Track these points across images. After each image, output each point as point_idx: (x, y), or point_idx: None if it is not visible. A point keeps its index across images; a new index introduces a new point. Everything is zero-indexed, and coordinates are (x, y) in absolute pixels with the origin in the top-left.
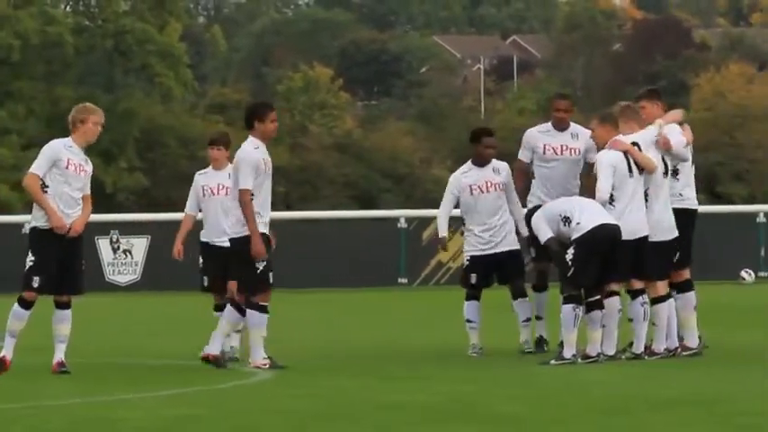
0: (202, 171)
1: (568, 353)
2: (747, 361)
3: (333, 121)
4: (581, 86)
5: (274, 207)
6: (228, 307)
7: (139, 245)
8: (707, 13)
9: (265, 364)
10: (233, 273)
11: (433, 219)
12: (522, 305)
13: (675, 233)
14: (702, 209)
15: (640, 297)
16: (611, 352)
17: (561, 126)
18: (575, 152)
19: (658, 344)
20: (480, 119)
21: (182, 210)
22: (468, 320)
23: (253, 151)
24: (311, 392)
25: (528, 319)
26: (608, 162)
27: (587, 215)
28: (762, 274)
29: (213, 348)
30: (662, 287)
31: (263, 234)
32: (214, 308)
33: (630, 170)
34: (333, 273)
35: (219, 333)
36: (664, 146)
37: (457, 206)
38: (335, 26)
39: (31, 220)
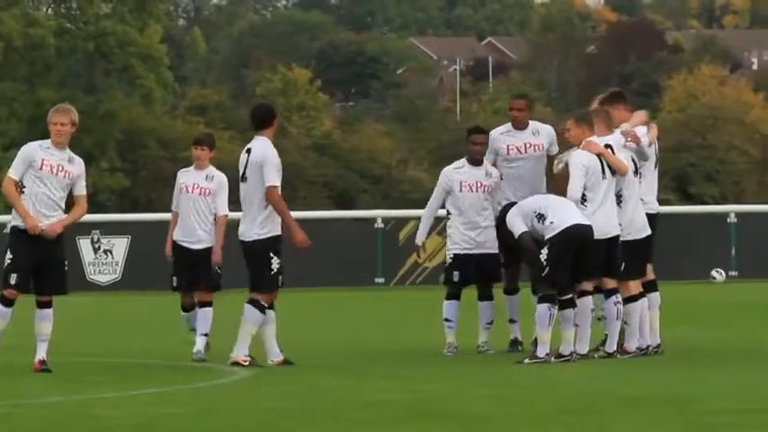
0: (185, 169)
1: (542, 352)
2: (717, 360)
3: (311, 123)
4: (556, 87)
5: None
6: (248, 306)
7: (120, 245)
8: (680, 15)
9: (246, 362)
10: (249, 271)
11: (409, 219)
12: (487, 308)
13: (648, 231)
14: (674, 209)
15: (613, 296)
16: (585, 351)
17: (519, 125)
18: (538, 148)
19: (631, 343)
20: (456, 120)
21: (162, 210)
22: (447, 319)
23: (275, 150)
24: (289, 391)
25: (490, 323)
26: (581, 162)
27: (561, 214)
28: (732, 273)
29: (241, 353)
30: (634, 286)
31: (280, 236)
32: (182, 308)
33: (603, 172)
34: (310, 272)
35: (246, 335)
36: (633, 139)
37: (442, 205)
38: (313, 28)
39: (11, 219)
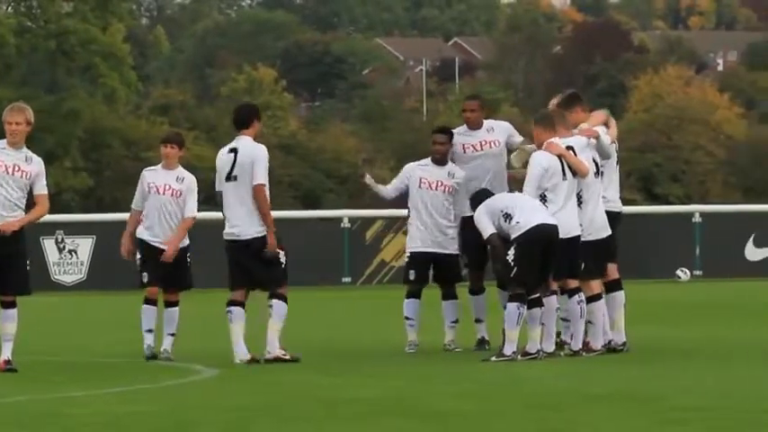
0: (152, 168)
1: (509, 350)
2: (682, 358)
3: (277, 123)
4: (522, 88)
5: (217, 207)
6: (277, 302)
7: (85, 245)
8: (645, 15)
9: (285, 355)
10: (257, 270)
11: (375, 219)
12: (451, 307)
13: (609, 231)
14: (640, 209)
15: (576, 296)
16: (551, 349)
17: (473, 126)
18: (494, 144)
19: (596, 341)
20: (422, 120)
21: (127, 210)
22: (407, 318)
23: (265, 149)
24: (255, 389)
25: (455, 321)
26: (540, 164)
27: (527, 214)
28: (697, 272)
29: (274, 348)
30: (596, 285)
31: (276, 231)
32: (147, 301)
33: (564, 173)
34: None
35: (275, 331)
36: (589, 133)
37: (405, 205)
38: (278, 28)
39: None
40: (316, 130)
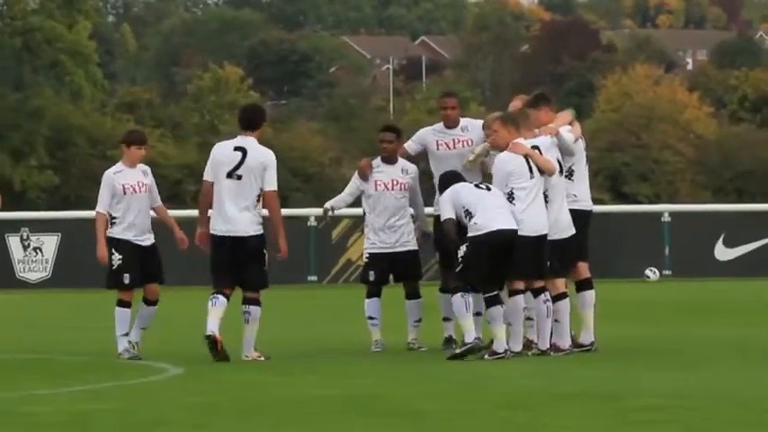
0: (117, 169)
1: (470, 337)
2: (651, 357)
3: None
4: (489, 86)
5: (184, 206)
6: (254, 307)
7: (50, 242)
8: (614, 14)
9: (261, 357)
10: (246, 269)
11: (342, 218)
12: (415, 306)
13: (573, 231)
14: (608, 208)
15: (542, 295)
16: (518, 348)
17: (451, 123)
18: (467, 143)
19: (563, 340)
20: (389, 119)
21: (93, 207)
22: (370, 317)
23: (273, 154)
24: (218, 388)
25: (418, 321)
26: (503, 170)
27: (487, 217)
28: (666, 272)
29: (251, 351)
30: (562, 284)
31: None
32: (123, 303)
33: (531, 172)
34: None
35: (252, 335)
36: (547, 132)
37: (359, 203)
38: (245, 26)
39: None
40: (282, 129)
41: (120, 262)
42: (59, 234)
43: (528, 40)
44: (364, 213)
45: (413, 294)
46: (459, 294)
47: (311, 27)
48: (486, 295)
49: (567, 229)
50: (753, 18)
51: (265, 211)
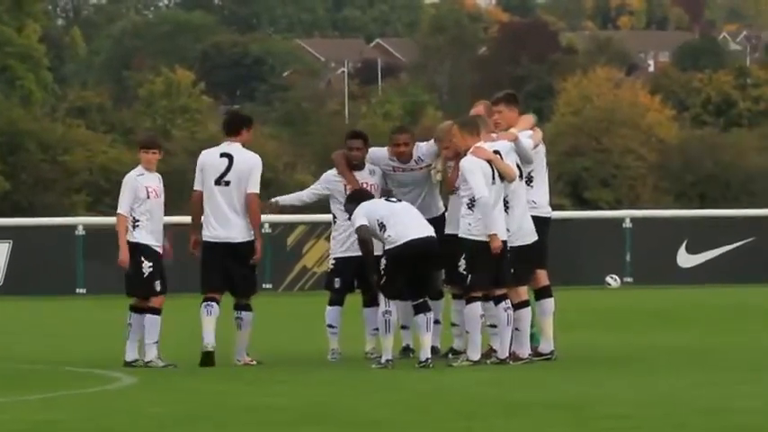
0: (139, 173)
1: (384, 357)
2: (612, 365)
3: (195, 126)
4: (447, 90)
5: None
6: (246, 313)
7: (1, 249)
8: (574, 15)
9: (252, 361)
10: (237, 274)
11: (297, 224)
12: (373, 315)
13: (535, 237)
14: (569, 214)
15: (503, 302)
16: (476, 357)
17: (405, 159)
18: (424, 167)
19: (522, 349)
20: (345, 123)
21: (45, 214)
22: (330, 325)
23: (259, 158)
24: (176, 397)
25: (377, 329)
26: (477, 166)
27: (400, 228)
28: (627, 279)
29: (243, 356)
30: (523, 292)
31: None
32: (155, 311)
33: (493, 178)
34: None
35: (244, 340)
36: (507, 137)
37: (327, 210)
38: (197, 29)
39: None
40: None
41: (151, 269)
42: (10, 241)
43: (486, 42)
44: (334, 219)
45: (371, 302)
46: (380, 312)
47: (264, 30)
48: (414, 303)
49: (530, 235)
50: (716, 18)
51: None
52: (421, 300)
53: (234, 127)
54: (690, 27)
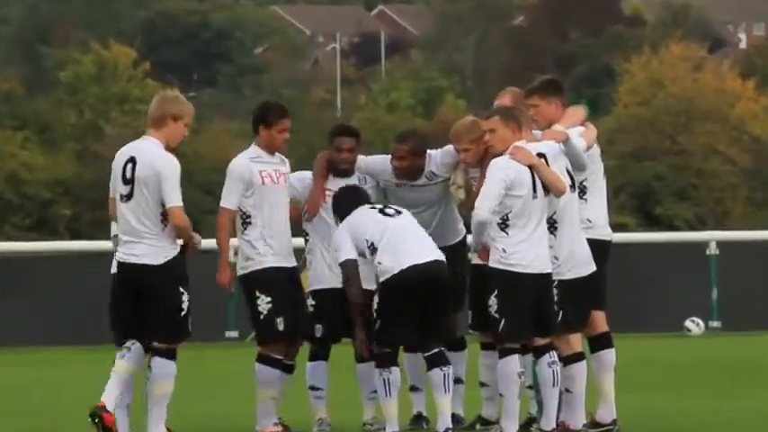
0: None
1: (389, 429)
2: None
3: (136, 120)
4: (471, 73)
5: (55, 235)
6: (162, 360)
7: None
8: None
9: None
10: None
11: None
12: (368, 372)
13: (593, 267)
14: (634, 237)
15: (547, 355)
16: (514, 429)
17: (406, 176)
18: (438, 182)
19: (575, 417)
20: (336, 116)
21: None
22: (313, 387)
23: (241, 160)
24: None
25: (375, 391)
26: (501, 176)
27: (394, 252)
28: (713, 323)
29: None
30: (576, 342)
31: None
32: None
33: (535, 189)
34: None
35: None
36: (553, 136)
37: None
38: None
39: None
40: (191, 131)
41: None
42: None
43: (523, 10)
44: (306, 241)
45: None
46: (378, 371)
47: None
48: (426, 354)
49: (585, 265)
50: None
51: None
52: (435, 350)
53: (252, 124)
54: None
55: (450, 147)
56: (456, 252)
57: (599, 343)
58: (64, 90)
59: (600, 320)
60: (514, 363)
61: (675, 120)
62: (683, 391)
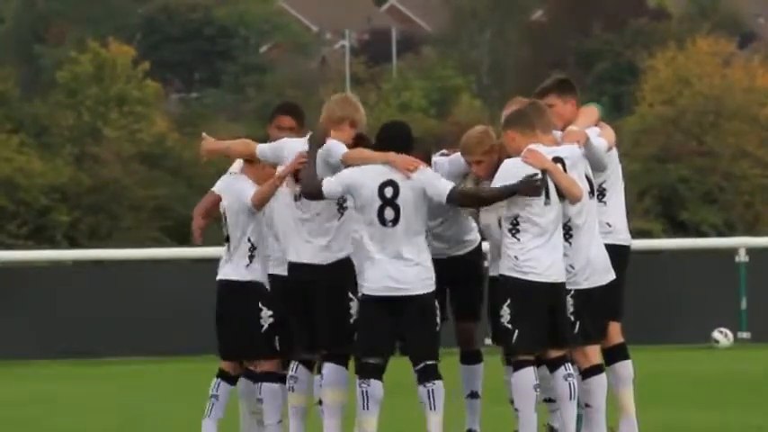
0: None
1: None
2: None
3: (136, 123)
4: (488, 71)
5: (53, 244)
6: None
7: None
8: None
9: None
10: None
11: None
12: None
13: (612, 275)
14: (658, 243)
15: (562, 368)
16: None
17: None
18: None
19: None
20: None
21: None
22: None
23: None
24: None
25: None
26: (510, 175)
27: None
28: (742, 334)
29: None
30: (594, 354)
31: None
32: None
33: (548, 195)
34: (141, 336)
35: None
36: (573, 138)
37: None
38: None
39: None
40: (192, 134)
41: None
42: None
43: (542, 4)
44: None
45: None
46: (357, 383)
47: None
48: (415, 368)
49: (604, 273)
50: None
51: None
52: (423, 363)
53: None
54: None
55: (458, 156)
56: (469, 263)
57: (614, 355)
58: (61, 91)
59: (615, 331)
60: (529, 375)
61: (702, 119)
62: (710, 404)
